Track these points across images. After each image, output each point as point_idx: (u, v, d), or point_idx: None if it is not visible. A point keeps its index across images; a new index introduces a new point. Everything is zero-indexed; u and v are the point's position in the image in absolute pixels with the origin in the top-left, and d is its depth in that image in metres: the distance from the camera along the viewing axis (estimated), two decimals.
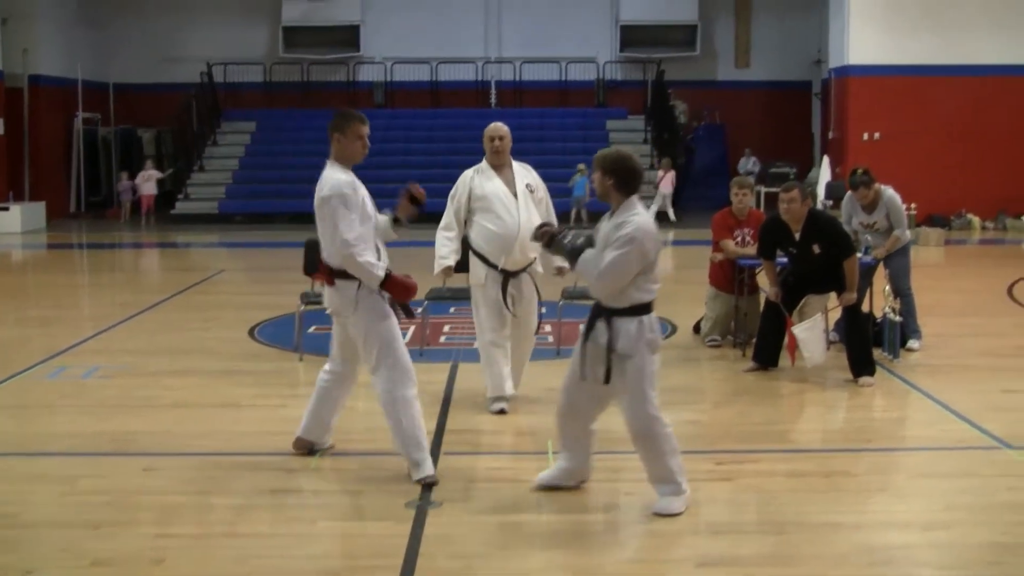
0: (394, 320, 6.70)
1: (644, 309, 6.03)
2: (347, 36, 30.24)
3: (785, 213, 9.31)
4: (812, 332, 9.30)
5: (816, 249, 9.21)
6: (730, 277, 10.53)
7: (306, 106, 29.34)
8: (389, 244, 7.01)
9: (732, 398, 8.86)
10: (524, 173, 8.44)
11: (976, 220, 24.20)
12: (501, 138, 8.33)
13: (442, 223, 8.42)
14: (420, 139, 27.87)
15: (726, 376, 9.67)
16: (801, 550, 5.64)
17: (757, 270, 10.37)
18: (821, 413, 8.72)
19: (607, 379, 6.05)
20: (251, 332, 11.63)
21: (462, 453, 7.29)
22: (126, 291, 16.14)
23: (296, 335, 10.41)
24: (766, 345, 9.63)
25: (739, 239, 10.55)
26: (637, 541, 5.90)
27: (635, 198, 6.07)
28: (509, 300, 8.24)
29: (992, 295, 14.29)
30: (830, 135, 25.78)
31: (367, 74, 30.54)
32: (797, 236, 9.29)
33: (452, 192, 8.43)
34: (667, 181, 25.57)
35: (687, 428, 7.88)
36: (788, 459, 7.24)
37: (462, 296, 10.82)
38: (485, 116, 28.97)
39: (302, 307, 10.37)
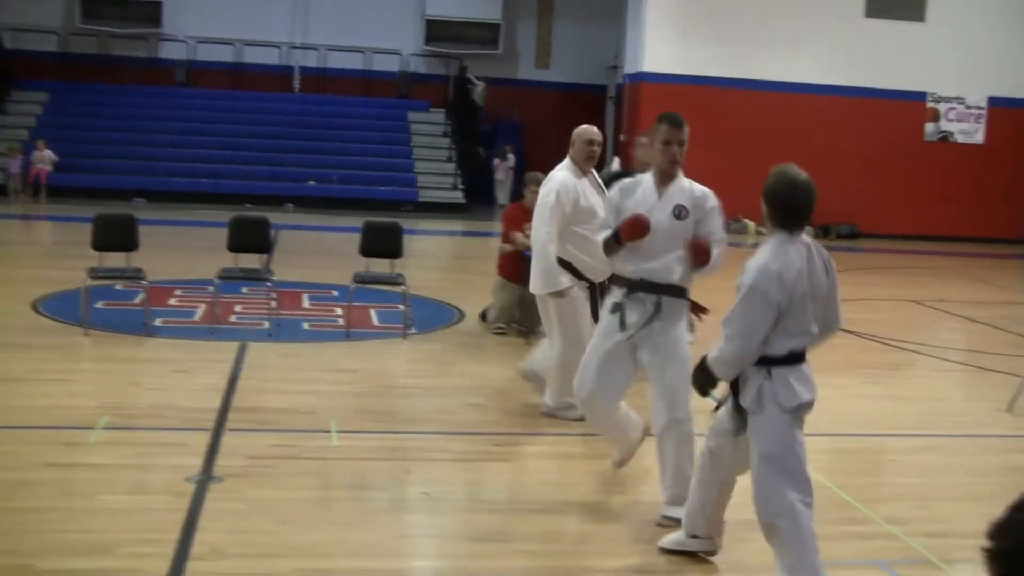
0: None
1: (775, 361, 4.92)
2: (148, 11, 29.46)
3: (645, 157, 9.31)
4: None
5: None
6: (517, 268, 10.84)
7: (105, 80, 28.56)
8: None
9: (514, 383, 9.14)
10: (599, 180, 7.90)
11: (751, 225, 25.39)
12: (600, 144, 7.72)
13: (549, 236, 7.59)
14: (222, 120, 27.51)
15: (510, 362, 9.95)
16: (569, 527, 5.95)
17: None
18: None
19: (736, 431, 5.14)
20: (35, 306, 11.39)
21: (247, 430, 7.36)
22: None
23: (82, 309, 10.29)
24: None
25: (528, 232, 10.86)
26: (416, 517, 6.08)
27: (787, 235, 4.92)
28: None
29: None
30: (621, 137, 26.51)
31: (169, 51, 29.93)
32: None
33: (552, 200, 7.56)
34: (502, 169, 26.50)
35: (469, 411, 8.18)
36: (562, 443, 7.55)
37: (254, 276, 10.93)
38: (288, 100, 28.94)
39: (89, 282, 10.25)
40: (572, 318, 7.74)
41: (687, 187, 6.21)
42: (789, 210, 4.89)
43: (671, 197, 6.13)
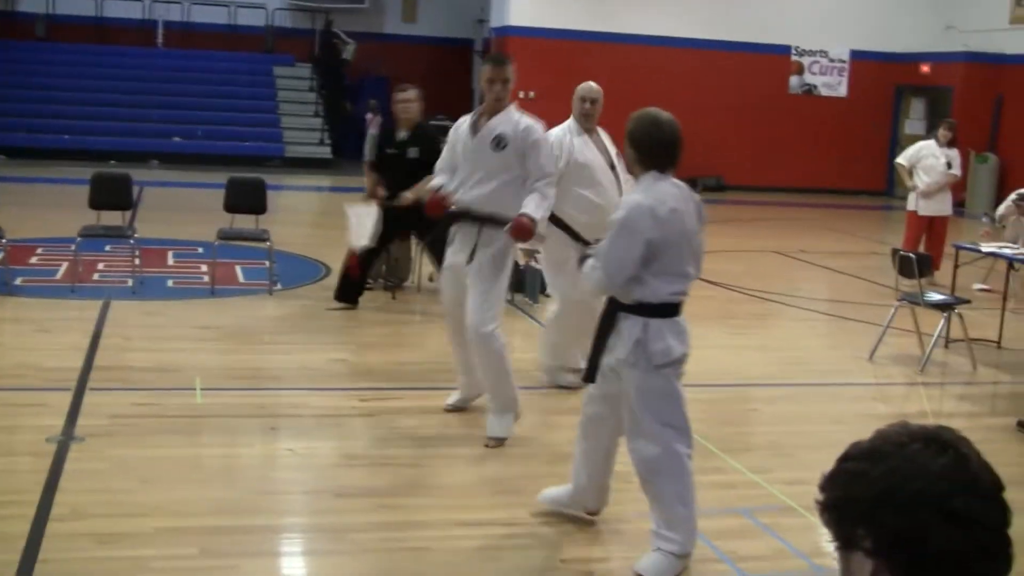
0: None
1: (651, 310, 4.85)
2: None
3: (403, 112, 9.97)
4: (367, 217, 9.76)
5: (413, 154, 9.71)
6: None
7: None
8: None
9: (380, 339, 9.15)
10: (609, 141, 7.75)
11: None
12: (594, 101, 7.59)
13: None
14: (84, 75, 26.72)
15: (375, 317, 9.93)
16: (435, 481, 5.98)
17: None
18: None
19: (588, 376, 5.13)
20: None
21: (109, 389, 7.23)
22: None
23: None
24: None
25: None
26: (281, 474, 6.07)
27: (659, 175, 4.90)
28: None
29: None
30: None
31: (27, 5, 28.96)
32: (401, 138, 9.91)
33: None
34: (375, 123, 26.14)
35: (334, 366, 8.17)
36: (426, 396, 7.53)
37: (117, 234, 10.71)
38: (151, 55, 28.27)
39: None
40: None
41: (513, 119, 6.46)
42: (656, 148, 4.88)
43: (492, 127, 6.42)
